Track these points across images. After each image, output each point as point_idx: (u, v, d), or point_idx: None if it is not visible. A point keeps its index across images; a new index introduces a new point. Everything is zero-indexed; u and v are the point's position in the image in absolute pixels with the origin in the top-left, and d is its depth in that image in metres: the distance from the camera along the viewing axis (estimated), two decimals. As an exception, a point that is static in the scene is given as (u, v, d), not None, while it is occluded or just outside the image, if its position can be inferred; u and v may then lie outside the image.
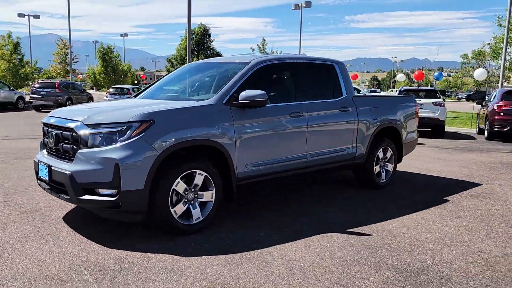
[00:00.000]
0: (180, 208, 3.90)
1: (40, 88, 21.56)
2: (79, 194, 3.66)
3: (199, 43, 48.65)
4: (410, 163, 7.94)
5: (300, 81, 5.17)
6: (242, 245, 3.77)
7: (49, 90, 21.46)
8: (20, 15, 40.67)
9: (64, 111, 4.39)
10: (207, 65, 5.66)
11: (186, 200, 3.96)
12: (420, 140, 8.82)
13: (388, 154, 6.18)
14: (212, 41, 49.96)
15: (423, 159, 8.74)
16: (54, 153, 4.13)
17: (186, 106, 4.13)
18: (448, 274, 3.25)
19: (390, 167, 6.23)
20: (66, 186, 3.71)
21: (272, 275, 3.19)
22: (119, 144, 3.62)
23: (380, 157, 6.06)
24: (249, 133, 4.37)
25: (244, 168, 4.35)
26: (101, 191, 3.64)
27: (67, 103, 21.29)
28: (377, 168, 6.02)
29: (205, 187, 4.09)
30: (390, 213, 4.84)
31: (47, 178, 4.04)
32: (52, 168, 3.92)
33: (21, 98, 22.48)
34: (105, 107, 4.50)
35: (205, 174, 4.03)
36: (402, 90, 15.62)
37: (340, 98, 5.47)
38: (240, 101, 4.24)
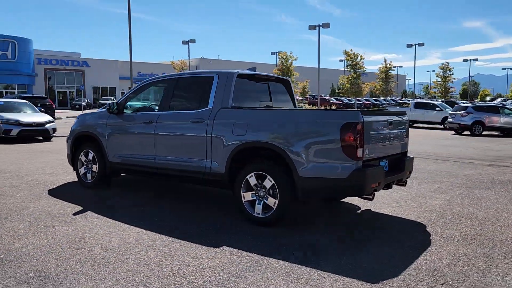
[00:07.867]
0: (82, 171, 6.83)
1: None
2: None
3: None
4: None
5: (169, 95, 5.93)
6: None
7: None
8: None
9: None
10: None
11: (87, 167, 6.77)
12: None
13: (268, 184, 4.78)
14: None
15: None
16: None
17: (94, 111, 6.88)
18: None
19: (272, 202, 4.76)
20: None
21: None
22: None
23: (252, 184, 4.91)
24: (114, 131, 6.36)
25: (113, 156, 6.37)
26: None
27: None
28: (247, 196, 4.97)
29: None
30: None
31: None
32: None
33: None
34: None
35: (93, 154, 6.62)
36: None
37: (199, 110, 5.42)
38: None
